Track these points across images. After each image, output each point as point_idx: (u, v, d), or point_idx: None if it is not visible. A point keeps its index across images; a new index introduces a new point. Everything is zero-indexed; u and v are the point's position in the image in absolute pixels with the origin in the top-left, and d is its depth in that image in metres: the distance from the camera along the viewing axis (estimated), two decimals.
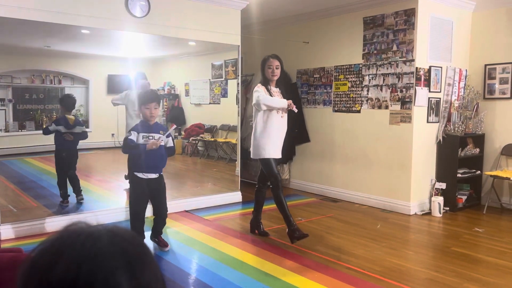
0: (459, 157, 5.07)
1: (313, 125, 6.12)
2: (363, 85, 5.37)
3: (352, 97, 5.52)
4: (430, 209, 4.96)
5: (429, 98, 5.00)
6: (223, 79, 6.23)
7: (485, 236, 4.10)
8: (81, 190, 4.66)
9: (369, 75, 5.29)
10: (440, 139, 5.12)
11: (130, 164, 3.48)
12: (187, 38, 5.02)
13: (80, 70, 5.69)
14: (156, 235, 3.74)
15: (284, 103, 3.81)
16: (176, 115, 6.70)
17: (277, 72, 3.85)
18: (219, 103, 6.35)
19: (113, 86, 5.69)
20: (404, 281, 3.04)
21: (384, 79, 5.13)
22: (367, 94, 5.32)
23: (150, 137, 3.37)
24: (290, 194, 6.01)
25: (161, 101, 6.69)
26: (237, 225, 4.51)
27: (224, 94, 6.27)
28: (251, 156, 3.99)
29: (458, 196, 5.14)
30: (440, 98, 5.15)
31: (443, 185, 4.96)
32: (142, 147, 3.35)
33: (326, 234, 4.14)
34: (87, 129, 5.58)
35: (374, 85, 5.24)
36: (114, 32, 4.57)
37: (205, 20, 5.01)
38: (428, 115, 5.04)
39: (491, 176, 5.05)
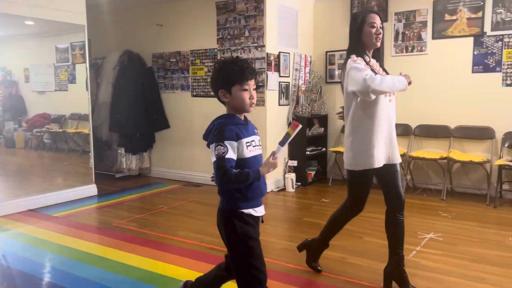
0: (307, 136, 5.54)
1: (172, 110, 6.03)
2: None
3: (210, 81, 5.56)
4: (284, 186, 5.33)
5: (279, 82, 5.33)
6: (70, 63, 5.68)
7: (330, 205, 4.58)
8: None
9: None
10: (290, 121, 5.52)
11: (235, 195, 1.83)
12: (22, 15, 4.42)
13: None
14: None
15: (404, 82, 2.44)
16: (14, 105, 5.89)
17: (382, 34, 2.55)
18: (66, 90, 5.78)
19: None
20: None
21: None
22: None
23: (254, 143, 1.86)
24: (151, 183, 5.85)
25: None
26: (93, 220, 4.20)
27: (72, 80, 5.72)
28: (348, 167, 2.59)
29: (308, 172, 5.63)
30: (289, 83, 5.53)
31: (294, 163, 5.37)
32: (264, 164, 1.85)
33: (188, 218, 4.14)
34: None
35: None
36: None
37: None
38: (280, 98, 5.37)
39: (334, 152, 5.65)
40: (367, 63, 2.48)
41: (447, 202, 4.66)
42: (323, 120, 5.88)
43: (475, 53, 4.92)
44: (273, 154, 1.83)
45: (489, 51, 4.85)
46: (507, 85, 4.78)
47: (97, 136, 6.11)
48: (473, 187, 4.99)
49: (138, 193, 5.28)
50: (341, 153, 5.53)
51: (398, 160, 2.56)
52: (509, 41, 4.74)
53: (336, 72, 5.86)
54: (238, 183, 1.76)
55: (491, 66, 4.85)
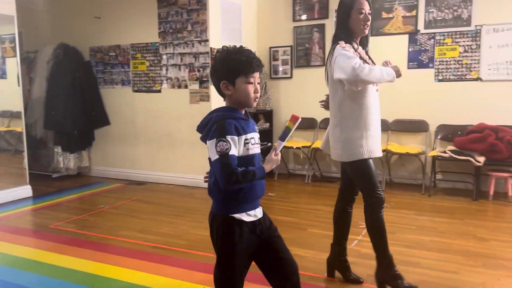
0: None
1: (112, 106, 5.81)
2: (161, 64, 5.33)
3: (152, 76, 5.42)
4: None
5: None
6: None
7: (276, 199, 4.62)
8: None
9: (166, 54, 5.27)
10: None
11: (227, 198, 1.66)
12: None
13: None
14: None
15: (392, 74, 2.35)
16: None
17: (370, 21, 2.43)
18: None
19: None
20: (208, 249, 3.16)
21: (182, 59, 5.19)
22: (166, 73, 5.30)
23: (253, 140, 1.68)
24: (91, 182, 5.61)
25: None
26: (27, 223, 3.96)
27: (2, 75, 5.34)
28: (336, 159, 2.48)
29: None
30: None
31: None
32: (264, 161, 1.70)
33: (131, 218, 4.01)
34: None
35: (173, 65, 5.25)
36: None
37: None
38: None
39: None
40: (355, 50, 2.37)
41: (386, 192, 4.87)
42: (268, 115, 5.93)
43: (410, 50, 5.17)
44: (275, 150, 1.69)
45: (423, 48, 5.11)
46: (439, 80, 5.06)
47: (31, 134, 5.75)
48: (409, 177, 5.25)
49: (77, 193, 5.05)
50: (286, 147, 5.61)
51: (380, 154, 2.47)
52: (440, 39, 5.02)
53: (280, 68, 5.92)
54: (245, 183, 1.58)
55: (424, 62, 5.11)
